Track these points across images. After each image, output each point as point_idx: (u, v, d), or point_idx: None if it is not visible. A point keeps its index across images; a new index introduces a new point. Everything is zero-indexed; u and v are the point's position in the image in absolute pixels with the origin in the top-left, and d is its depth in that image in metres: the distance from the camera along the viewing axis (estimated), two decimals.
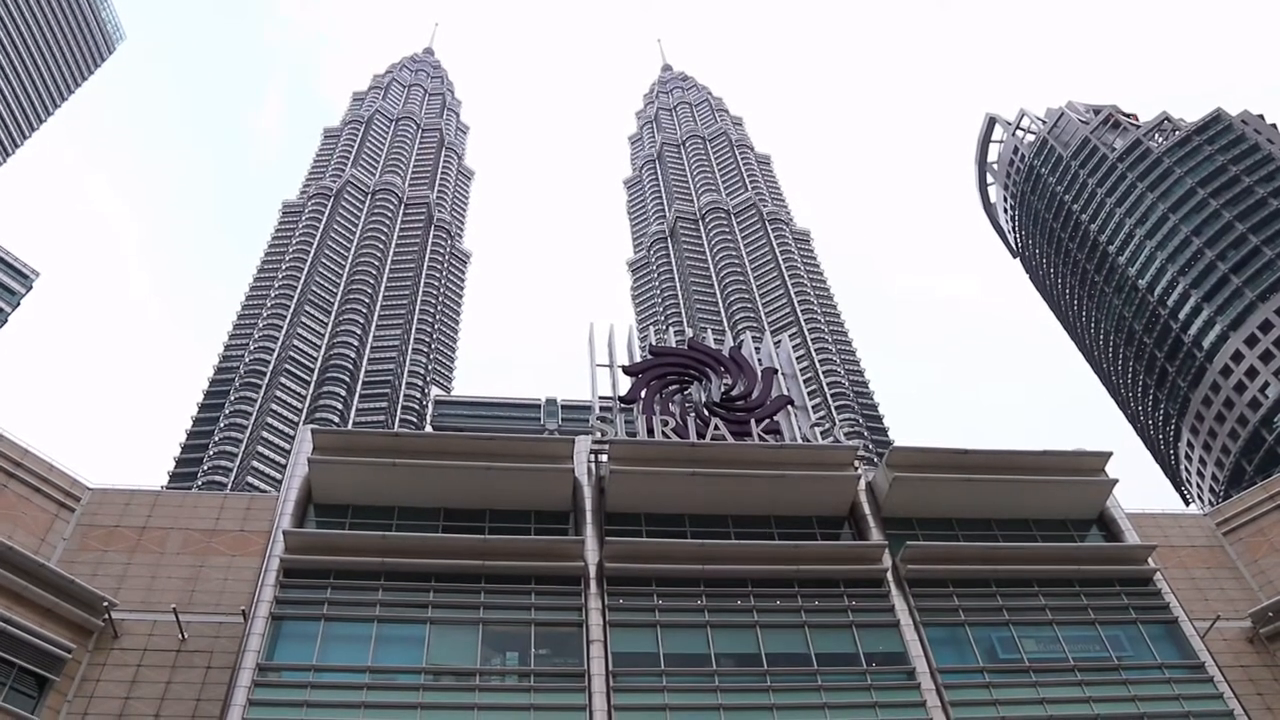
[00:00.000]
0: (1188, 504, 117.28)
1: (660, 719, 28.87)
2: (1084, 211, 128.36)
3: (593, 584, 32.01)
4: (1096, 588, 34.84)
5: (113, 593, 33.84)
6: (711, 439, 36.52)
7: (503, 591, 31.62)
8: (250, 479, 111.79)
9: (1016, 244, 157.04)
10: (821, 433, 41.07)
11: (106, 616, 33.10)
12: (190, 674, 32.45)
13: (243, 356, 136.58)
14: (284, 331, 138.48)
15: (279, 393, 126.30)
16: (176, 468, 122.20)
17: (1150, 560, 36.10)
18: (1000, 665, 31.80)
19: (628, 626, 31.27)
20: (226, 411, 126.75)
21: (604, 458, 35.80)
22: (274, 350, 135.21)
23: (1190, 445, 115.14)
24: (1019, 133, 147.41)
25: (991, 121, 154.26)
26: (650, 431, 36.95)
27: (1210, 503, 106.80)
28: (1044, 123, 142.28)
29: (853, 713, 29.74)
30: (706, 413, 38.54)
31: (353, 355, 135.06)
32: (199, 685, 32.14)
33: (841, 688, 30.39)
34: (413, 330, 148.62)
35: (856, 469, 36.56)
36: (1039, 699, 30.80)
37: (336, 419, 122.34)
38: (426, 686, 28.96)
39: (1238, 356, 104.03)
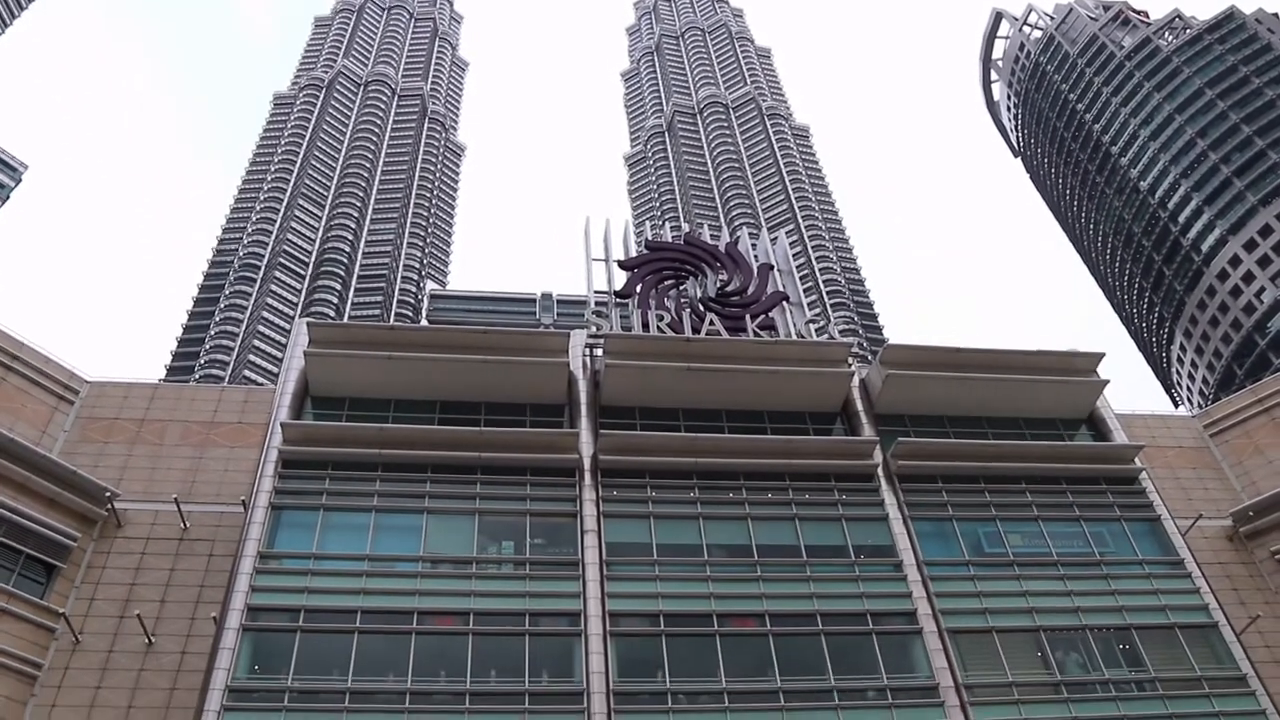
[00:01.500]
0: (1177, 406, 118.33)
1: (653, 605, 29.66)
2: (1088, 111, 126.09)
3: (587, 476, 32.52)
4: (1083, 485, 35.48)
5: (114, 483, 34.33)
6: (706, 334, 36.62)
7: (499, 483, 32.10)
8: (247, 372, 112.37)
9: (1018, 143, 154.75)
10: (816, 329, 41.17)
11: (109, 506, 33.66)
12: (193, 561, 33.19)
13: (237, 250, 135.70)
14: (278, 225, 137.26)
15: (274, 287, 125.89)
16: (173, 361, 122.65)
17: (1137, 460, 36.67)
18: (985, 559, 32.60)
19: (621, 517, 31.89)
20: (222, 305, 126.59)
21: (599, 352, 35.96)
22: (268, 244, 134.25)
23: (1183, 348, 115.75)
24: (1025, 29, 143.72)
25: (998, 16, 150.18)
26: (645, 326, 37.03)
27: (1199, 406, 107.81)
28: (1052, 18, 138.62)
29: (841, 601, 30.53)
30: (702, 308, 38.54)
31: (347, 249, 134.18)
32: (202, 573, 32.90)
33: (830, 578, 31.17)
34: (408, 224, 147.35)
35: (850, 366, 36.76)
36: (1021, 591, 31.68)
37: (332, 313, 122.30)
38: (424, 574, 29.65)
39: (1235, 261, 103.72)
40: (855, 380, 36.96)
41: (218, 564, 32.77)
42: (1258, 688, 30.57)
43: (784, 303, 39.79)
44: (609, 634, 28.64)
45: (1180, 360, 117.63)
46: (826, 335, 41.21)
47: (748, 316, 38.05)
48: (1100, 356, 38.63)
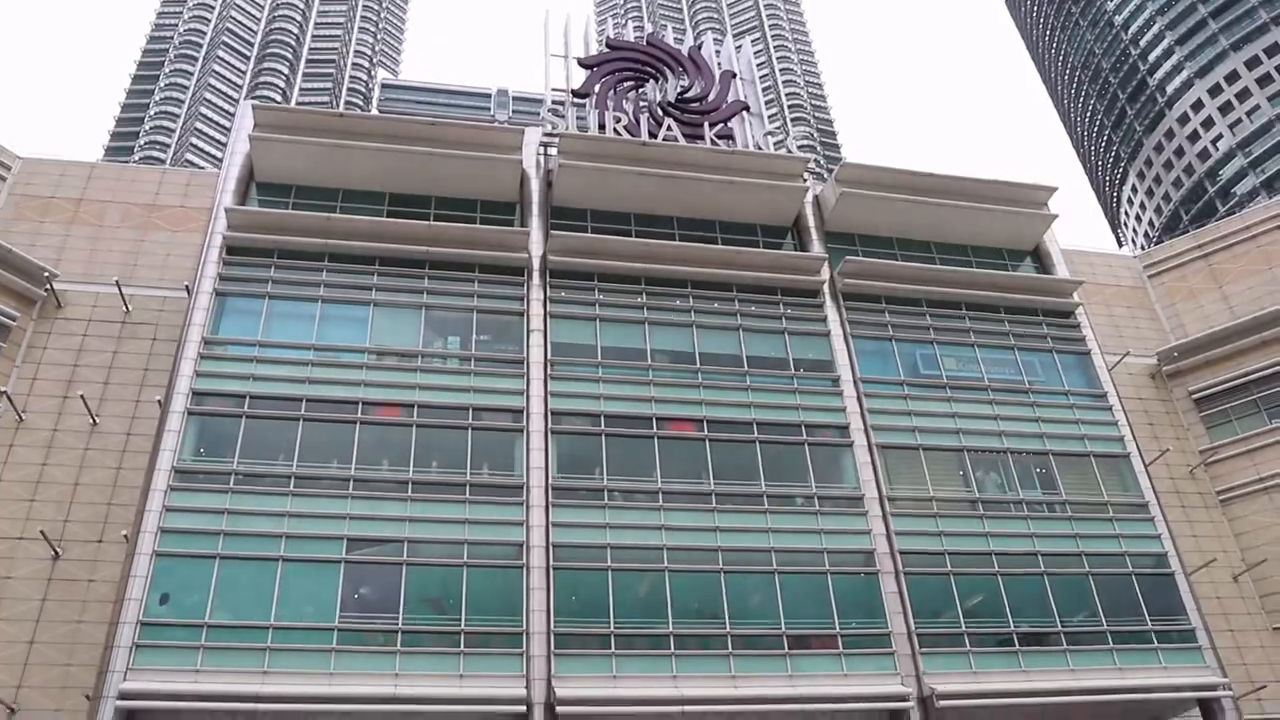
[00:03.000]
0: (1121, 247, 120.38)
1: (595, 405, 30.35)
2: None
3: (535, 275, 32.46)
4: (1021, 315, 36.36)
5: (52, 264, 33.63)
6: (663, 139, 35.87)
7: (447, 279, 31.95)
8: (190, 156, 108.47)
9: None
10: (774, 143, 40.53)
11: (48, 286, 33.07)
12: (136, 345, 33.05)
13: (177, 26, 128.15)
14: (220, 1, 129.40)
15: (217, 67, 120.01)
16: (111, 141, 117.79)
17: (1075, 295, 37.50)
18: (920, 380, 33.59)
19: (568, 319, 32.07)
20: (162, 85, 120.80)
21: (553, 151, 35.21)
22: (210, 20, 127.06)
23: (1134, 189, 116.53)
24: None
25: None
26: (602, 127, 36.13)
27: (1142, 248, 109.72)
28: None
29: (777, 411, 31.51)
30: (660, 112, 37.57)
31: (295, 31, 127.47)
32: (145, 356, 32.84)
33: (769, 389, 32.01)
34: (359, 7, 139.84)
35: (805, 181, 36.47)
36: (951, 413, 32.92)
37: (279, 98, 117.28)
38: (370, 365, 29.80)
39: (1198, 105, 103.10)
40: (809, 196, 36.80)
41: (161, 348, 32.68)
42: (1156, 514, 32.66)
43: (744, 112, 38.96)
44: (550, 431, 29.37)
45: (1130, 202, 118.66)
46: (784, 149, 40.61)
47: (706, 124, 37.25)
48: (1052, 190, 38.81)
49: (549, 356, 30.86)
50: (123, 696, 23.15)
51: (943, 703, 26.84)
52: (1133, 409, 38.04)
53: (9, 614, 27.69)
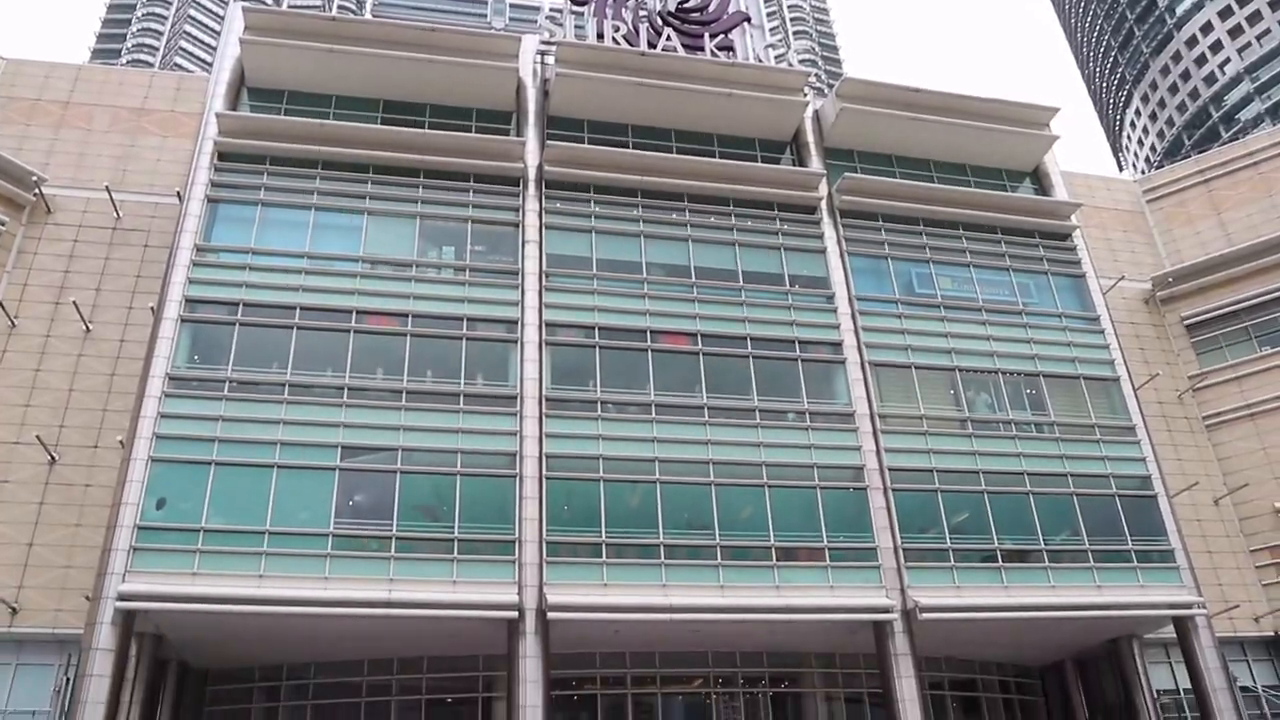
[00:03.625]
0: (1121, 171, 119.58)
1: (589, 318, 30.31)
2: None
3: (531, 186, 32.11)
4: (1017, 237, 36.17)
5: (40, 168, 33.22)
6: (663, 49, 35.10)
7: (441, 188, 31.55)
8: (179, 59, 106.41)
9: None
10: (775, 56, 39.89)
11: (37, 191, 32.72)
12: (128, 251, 32.85)
13: None
14: None
15: None
16: (97, 43, 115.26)
17: (1073, 218, 37.28)
18: (915, 299, 33.56)
19: (563, 230, 31.85)
20: None
21: (550, 59, 34.47)
22: None
23: (1137, 113, 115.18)
24: None
25: None
26: (600, 36, 35.31)
27: (1143, 172, 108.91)
28: None
29: (771, 327, 31.52)
30: (660, 21, 36.67)
31: None
32: (138, 263, 32.68)
33: (764, 304, 31.94)
34: None
35: (805, 96, 35.85)
36: (944, 332, 32.96)
37: (270, 1, 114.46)
38: (364, 274, 29.61)
39: (1207, 28, 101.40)
40: (809, 111, 36.25)
41: (153, 255, 32.50)
42: (1143, 437, 33.00)
43: (745, 24, 38.10)
44: (544, 342, 29.38)
45: (1133, 125, 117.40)
46: (785, 63, 39.85)
47: (706, 35, 36.41)
48: (1055, 111, 38.30)
49: (544, 268, 30.69)
50: (121, 598, 23.53)
51: (925, 615, 27.44)
52: (1125, 333, 38.19)
53: (7, 517, 28.03)
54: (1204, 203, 44.91)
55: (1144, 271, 42.87)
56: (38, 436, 28.66)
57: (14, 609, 26.78)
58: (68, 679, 25.56)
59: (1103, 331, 35.01)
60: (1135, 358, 38.51)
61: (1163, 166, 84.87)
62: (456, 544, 26.04)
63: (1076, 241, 36.96)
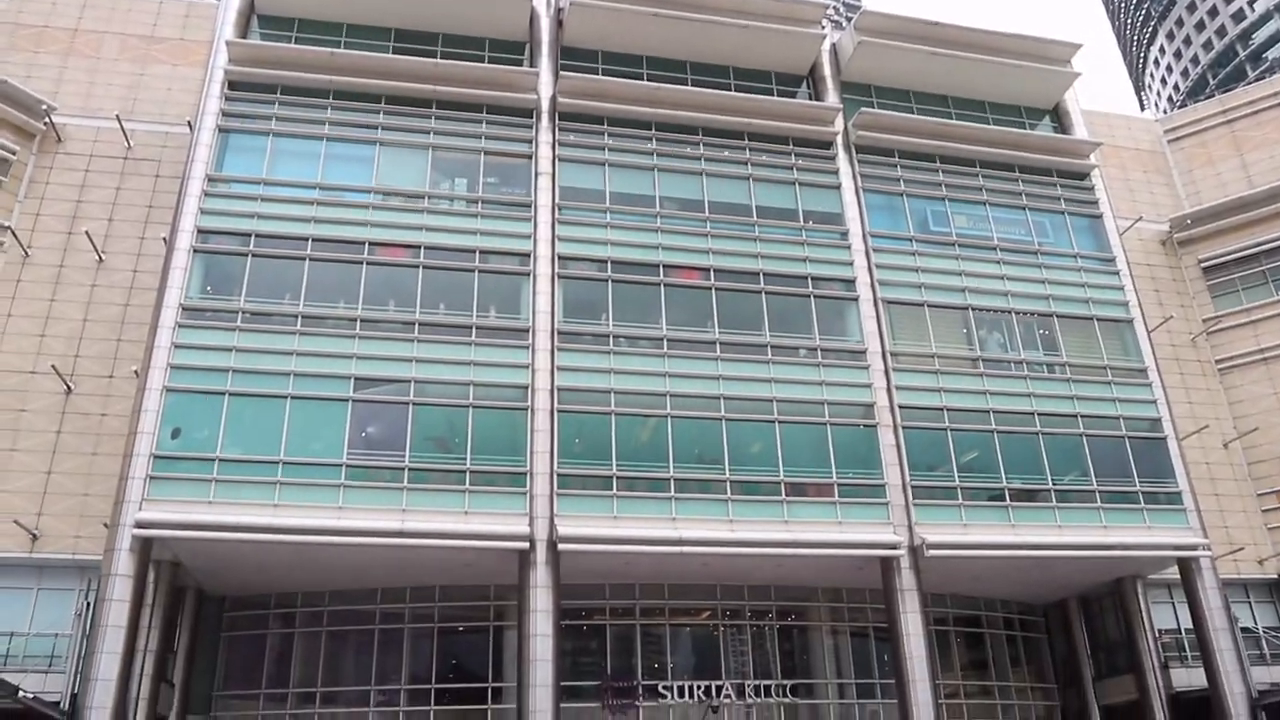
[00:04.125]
0: (1143, 110, 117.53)
1: (602, 251, 30.17)
2: None
3: (544, 118, 31.77)
4: (1035, 175, 35.71)
5: (50, 96, 32.98)
6: None
7: (454, 119, 31.25)
8: None
9: None
10: None
11: (47, 120, 32.49)
12: (139, 181, 32.71)
13: None
14: None
15: None
16: None
17: (1092, 157, 36.75)
18: (929, 237, 33.26)
19: (576, 163, 31.59)
20: None
21: None
22: None
23: (1162, 50, 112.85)
24: None
25: None
26: None
27: (1166, 112, 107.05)
28: None
29: (784, 263, 31.34)
30: None
31: None
32: (149, 193, 32.55)
33: (777, 240, 31.72)
34: None
35: (823, 28, 35.25)
36: (958, 270, 32.70)
37: None
38: (375, 205, 29.48)
39: None
40: (826, 44, 35.65)
41: (165, 185, 32.34)
42: (1154, 380, 32.87)
43: None
44: (557, 275, 29.32)
45: (1157, 63, 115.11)
46: None
47: None
48: (1076, 47, 37.58)
49: (556, 201, 30.51)
50: (139, 525, 23.88)
51: (931, 552, 27.66)
52: (1140, 274, 37.89)
53: (26, 446, 28.33)
54: (1227, 143, 44.20)
55: (1162, 213, 42.35)
56: (53, 366, 28.84)
57: (34, 535, 27.19)
58: (88, 603, 26.00)
59: (1118, 273, 34.71)
60: (1150, 300, 38.22)
61: (1186, 106, 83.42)
62: (469, 475, 26.26)
63: (1095, 181, 36.49)
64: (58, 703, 24.18)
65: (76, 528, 27.53)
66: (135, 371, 27.46)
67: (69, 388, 28.95)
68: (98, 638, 23.05)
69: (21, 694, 21.80)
